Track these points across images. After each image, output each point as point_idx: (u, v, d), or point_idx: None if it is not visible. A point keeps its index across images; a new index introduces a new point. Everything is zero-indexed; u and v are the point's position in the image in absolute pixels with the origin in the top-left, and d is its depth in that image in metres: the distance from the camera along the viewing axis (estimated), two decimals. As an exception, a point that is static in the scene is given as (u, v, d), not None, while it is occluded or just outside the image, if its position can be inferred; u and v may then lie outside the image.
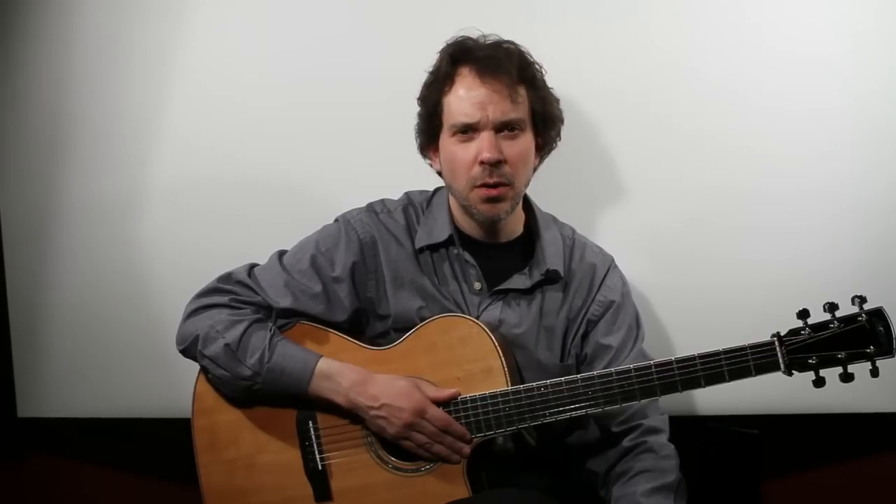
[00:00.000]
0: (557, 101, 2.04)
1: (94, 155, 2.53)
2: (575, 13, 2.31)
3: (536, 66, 2.00)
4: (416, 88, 2.03)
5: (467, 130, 1.95)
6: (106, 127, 2.52)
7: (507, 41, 2.00)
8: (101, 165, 2.53)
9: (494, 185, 1.95)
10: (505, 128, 1.95)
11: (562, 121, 2.05)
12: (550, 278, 2.03)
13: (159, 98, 2.49)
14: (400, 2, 2.40)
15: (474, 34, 1.99)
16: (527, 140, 1.98)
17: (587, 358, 2.04)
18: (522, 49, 2.00)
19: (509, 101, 1.94)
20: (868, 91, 2.20)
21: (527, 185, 2.03)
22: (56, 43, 2.53)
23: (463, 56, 1.97)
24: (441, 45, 2.00)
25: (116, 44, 2.50)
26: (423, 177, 2.12)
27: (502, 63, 1.94)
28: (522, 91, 1.97)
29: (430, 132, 2.03)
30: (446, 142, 1.99)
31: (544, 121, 2.00)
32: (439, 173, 2.05)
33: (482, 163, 1.93)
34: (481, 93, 1.93)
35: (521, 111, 1.96)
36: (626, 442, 1.98)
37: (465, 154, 1.96)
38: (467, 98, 1.95)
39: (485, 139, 1.94)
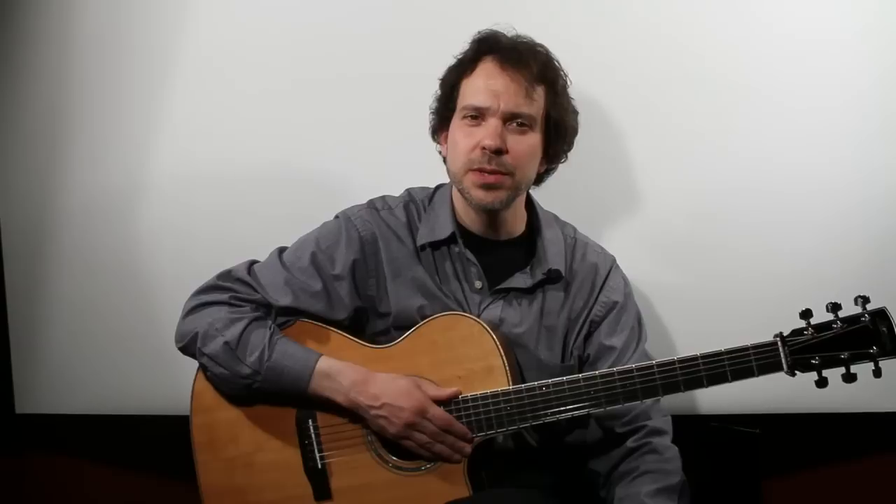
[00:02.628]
0: (577, 113, 2.03)
1: (91, 153, 2.53)
2: (581, 10, 2.31)
3: (562, 73, 2.00)
4: (419, 87, 2.03)
5: (476, 115, 1.94)
6: (104, 123, 2.51)
7: (540, 44, 2.00)
8: (99, 163, 2.52)
9: (491, 172, 1.94)
10: (514, 120, 1.94)
11: (576, 133, 2.03)
12: (552, 278, 2.02)
13: (159, 94, 2.48)
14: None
15: (509, 32, 1.99)
16: (534, 138, 1.97)
17: (590, 359, 2.03)
18: (552, 55, 2.00)
19: (524, 94, 1.93)
20: (874, 89, 2.20)
21: (528, 185, 2.02)
22: (56, 43, 2.51)
23: (489, 47, 1.97)
24: (446, 44, 2.00)
25: (117, 40, 2.48)
26: (425, 174, 2.11)
27: (525, 58, 1.94)
28: (540, 90, 1.96)
29: (443, 114, 2.02)
30: (455, 125, 1.98)
31: (557, 127, 1.99)
32: (444, 160, 2.03)
33: (483, 149, 1.93)
34: (498, 81, 1.93)
35: (533, 108, 1.95)
36: (631, 442, 1.98)
37: (468, 139, 1.95)
38: (483, 85, 1.95)
39: (490, 126, 1.93)
